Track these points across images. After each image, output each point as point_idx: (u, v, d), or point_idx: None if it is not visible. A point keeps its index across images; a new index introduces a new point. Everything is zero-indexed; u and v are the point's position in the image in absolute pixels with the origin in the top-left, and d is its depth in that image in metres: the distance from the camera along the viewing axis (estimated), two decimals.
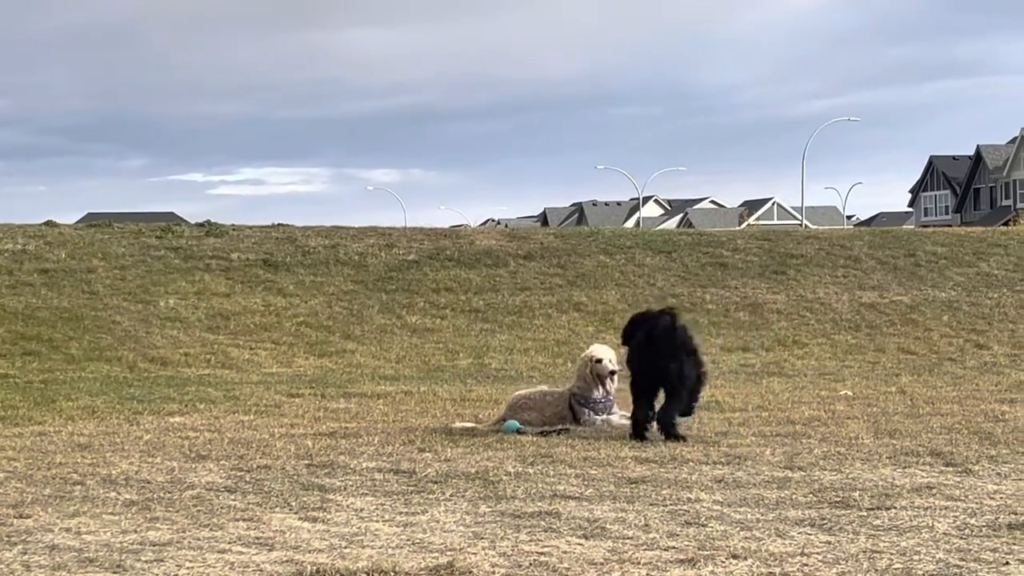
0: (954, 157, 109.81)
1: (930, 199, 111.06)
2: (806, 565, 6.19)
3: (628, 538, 6.80)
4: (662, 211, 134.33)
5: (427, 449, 10.15)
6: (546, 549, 6.56)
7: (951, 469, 9.03)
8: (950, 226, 65.40)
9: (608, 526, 7.10)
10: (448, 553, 6.48)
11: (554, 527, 7.10)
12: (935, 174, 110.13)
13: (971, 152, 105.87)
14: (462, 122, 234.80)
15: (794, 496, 7.98)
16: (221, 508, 7.77)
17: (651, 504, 7.79)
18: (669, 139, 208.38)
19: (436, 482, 8.62)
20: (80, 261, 24.16)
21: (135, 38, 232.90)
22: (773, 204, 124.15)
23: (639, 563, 6.26)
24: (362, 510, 7.69)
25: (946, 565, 6.17)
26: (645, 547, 6.58)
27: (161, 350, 19.85)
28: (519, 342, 21.25)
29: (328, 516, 7.50)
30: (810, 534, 6.87)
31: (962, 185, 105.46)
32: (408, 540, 6.82)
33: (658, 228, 56.48)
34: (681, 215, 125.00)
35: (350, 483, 8.63)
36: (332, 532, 7.05)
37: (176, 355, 19.63)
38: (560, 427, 11.25)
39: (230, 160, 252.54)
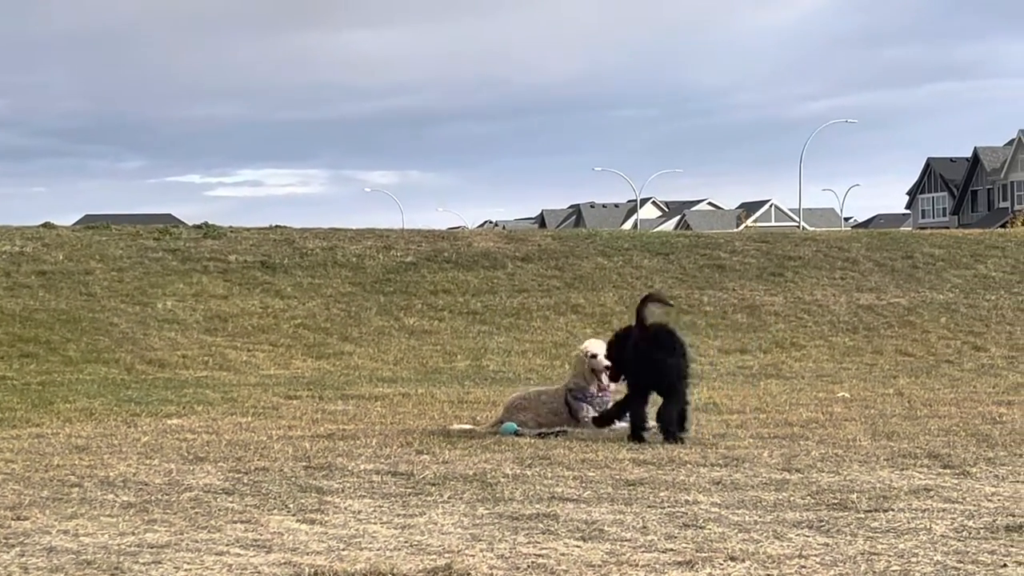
0: (952, 159, 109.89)
1: (928, 201, 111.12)
2: (804, 567, 6.19)
3: (626, 540, 6.80)
4: (660, 213, 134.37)
5: (425, 451, 10.14)
6: (544, 551, 6.55)
7: (949, 471, 9.03)
8: (948, 228, 65.43)
9: (606, 528, 7.09)
10: (446, 555, 6.48)
11: (552, 529, 7.10)
12: (933, 176, 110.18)
13: (969, 154, 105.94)
14: (460, 124, 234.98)
15: (792, 498, 7.98)
16: (219, 510, 7.77)
17: (649, 506, 7.79)
18: (667, 141, 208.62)
19: (434, 484, 8.62)
20: (78, 263, 24.16)
21: (133, 40, 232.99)
22: (771, 206, 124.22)
23: (637, 565, 6.26)
24: (360, 512, 7.69)
25: (944, 567, 6.17)
26: (643, 549, 6.58)
27: (159, 352, 19.85)
28: (517, 344, 21.26)
29: (326, 518, 7.50)
30: (808, 536, 6.87)
31: (960, 187, 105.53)
32: (406, 542, 6.82)
33: (656, 230, 56.46)
34: (679, 217, 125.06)
35: (348, 485, 8.63)
36: (330, 534, 7.04)
37: (174, 357, 19.63)
38: (558, 429, 11.25)
39: (228, 162, 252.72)
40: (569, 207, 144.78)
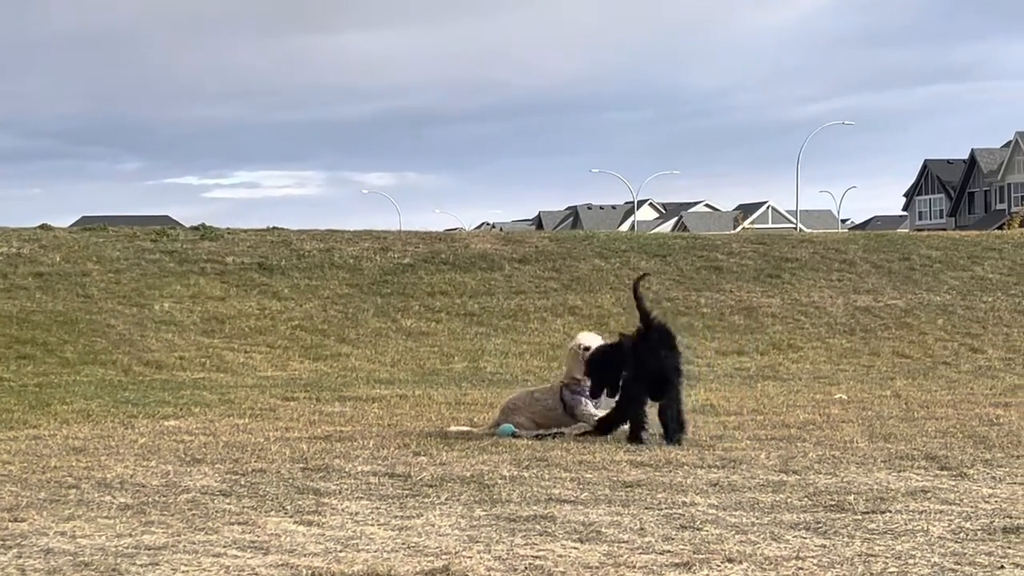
0: (949, 161, 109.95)
1: (925, 203, 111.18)
2: (801, 569, 6.19)
3: (623, 542, 6.80)
4: (657, 215, 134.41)
5: (422, 453, 10.14)
6: (541, 553, 6.55)
7: (946, 473, 9.03)
8: (944, 230, 65.45)
9: (603, 530, 7.10)
10: (443, 557, 6.48)
11: (549, 531, 7.10)
12: (930, 178, 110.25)
13: (966, 156, 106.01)
14: (457, 125, 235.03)
15: (789, 500, 7.99)
16: (216, 512, 7.77)
17: (646, 508, 7.79)
18: (664, 142, 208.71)
19: (431, 486, 8.62)
20: (75, 264, 24.15)
21: (130, 41, 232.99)
22: (768, 208, 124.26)
23: (634, 567, 6.26)
24: (357, 514, 7.69)
25: (941, 569, 6.17)
26: (640, 551, 6.58)
27: (156, 354, 19.85)
28: (514, 345, 21.26)
29: (323, 520, 7.50)
30: (805, 538, 6.87)
31: (957, 189, 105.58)
32: (403, 544, 6.82)
33: (653, 232, 56.48)
34: (676, 219, 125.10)
35: (345, 487, 8.63)
36: (327, 536, 7.04)
37: (171, 359, 19.63)
38: (555, 431, 11.25)
39: (225, 163, 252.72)
40: (566, 209, 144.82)
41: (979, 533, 6.94)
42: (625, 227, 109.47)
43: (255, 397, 15.06)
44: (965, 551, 6.51)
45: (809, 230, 64.71)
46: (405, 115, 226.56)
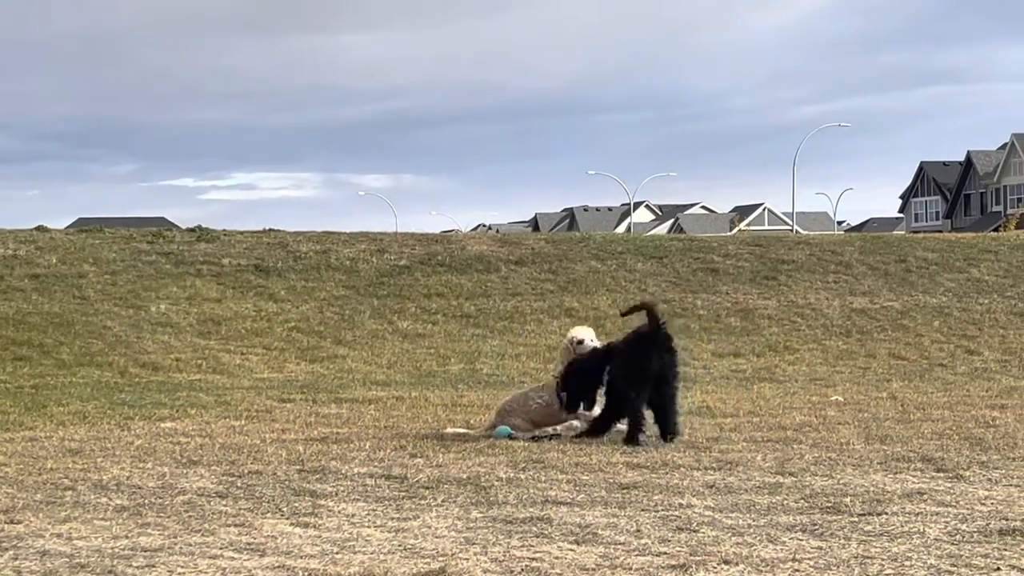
0: (945, 163, 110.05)
1: (921, 205, 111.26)
2: (797, 571, 6.20)
3: (620, 544, 6.80)
4: (653, 216, 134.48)
5: (419, 455, 10.14)
6: (538, 555, 6.56)
7: (942, 475, 9.04)
8: (941, 232, 65.49)
9: (600, 532, 7.10)
10: (440, 559, 6.48)
11: (546, 533, 7.10)
12: (926, 180, 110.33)
13: (962, 158, 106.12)
14: (453, 127, 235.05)
15: (785, 502, 7.99)
16: (212, 514, 7.76)
17: (643, 510, 7.79)
18: (660, 144, 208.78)
19: (428, 488, 8.62)
20: (71, 266, 24.14)
21: (127, 43, 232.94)
22: (764, 210, 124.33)
23: (631, 569, 6.26)
24: (353, 516, 7.69)
25: (937, 571, 6.18)
26: (637, 553, 6.58)
27: (152, 355, 19.84)
28: (510, 347, 21.26)
29: (320, 522, 7.50)
30: (801, 540, 6.87)
31: (953, 191, 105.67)
32: (400, 546, 6.82)
33: (649, 234, 56.50)
34: (672, 220, 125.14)
35: (341, 489, 8.63)
36: (324, 538, 7.04)
37: (167, 360, 19.62)
38: (552, 432, 11.25)
39: (221, 165, 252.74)
40: (562, 210, 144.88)
41: (975, 535, 6.94)
42: (621, 229, 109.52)
43: (251, 399, 15.06)
44: (961, 553, 6.52)
45: (805, 232, 64.76)
46: (401, 117, 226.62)
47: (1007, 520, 7.34)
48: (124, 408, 13.96)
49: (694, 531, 7.11)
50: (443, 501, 8.13)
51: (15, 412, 13.58)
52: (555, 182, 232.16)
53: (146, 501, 8.20)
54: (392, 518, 7.59)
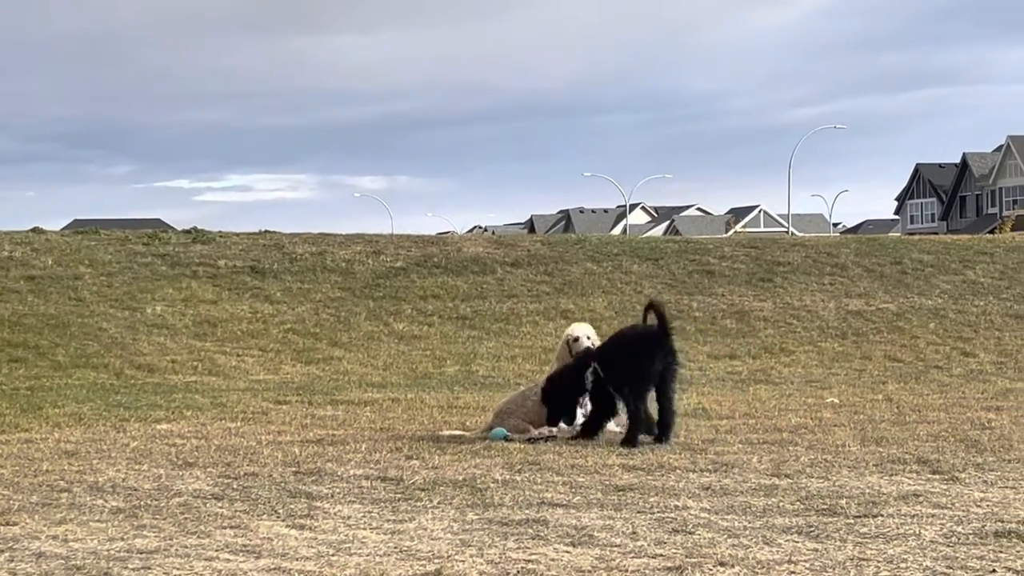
0: (940, 165, 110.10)
1: (916, 207, 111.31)
2: (793, 573, 6.20)
3: (615, 546, 6.80)
4: (649, 218, 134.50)
5: (414, 456, 10.14)
6: (534, 557, 6.56)
7: (938, 477, 9.04)
8: (936, 234, 65.55)
9: (595, 534, 7.10)
10: (436, 561, 6.48)
11: (542, 535, 7.11)
12: (921, 182, 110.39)
13: (957, 160, 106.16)
14: (450, 129, 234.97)
15: (781, 504, 7.99)
16: (208, 515, 7.76)
17: (638, 511, 7.79)
18: (656, 146, 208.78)
19: (423, 489, 8.62)
20: (67, 268, 24.13)
21: (123, 44, 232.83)
22: (760, 211, 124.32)
23: (627, 571, 6.26)
24: (349, 517, 7.69)
25: (933, 573, 6.18)
26: (632, 555, 6.59)
27: (148, 357, 19.83)
28: (506, 349, 21.26)
29: (315, 524, 7.50)
30: (797, 542, 6.88)
31: (948, 193, 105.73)
32: (395, 548, 6.81)
33: (645, 235, 56.53)
34: (668, 222, 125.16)
35: (337, 490, 8.63)
36: (319, 540, 7.04)
37: (163, 362, 19.61)
38: (548, 434, 11.25)
39: (217, 166, 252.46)
40: (558, 212, 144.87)
41: (971, 537, 6.95)
42: (617, 231, 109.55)
43: (247, 401, 15.05)
44: (957, 555, 6.52)
45: (801, 234, 64.78)
46: (397, 119, 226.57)
47: (1003, 522, 7.34)
48: (120, 410, 13.95)
49: (690, 533, 7.12)
50: (439, 503, 8.13)
51: (11, 414, 13.57)
52: (551, 184, 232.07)
53: (142, 503, 8.19)
54: (388, 520, 7.59)
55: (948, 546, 6.74)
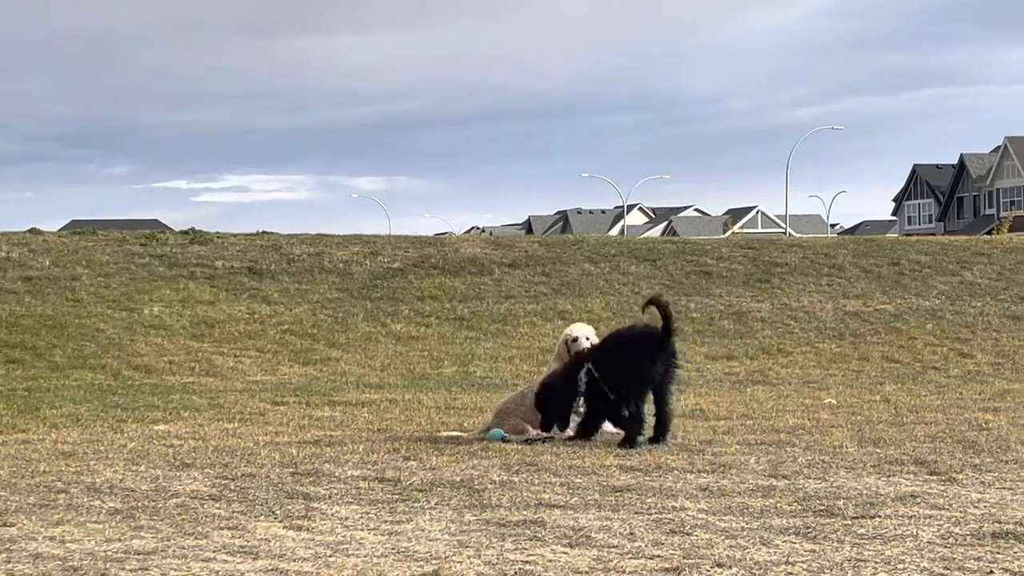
0: (938, 166, 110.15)
1: (914, 208, 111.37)
2: (791, 574, 6.20)
3: (613, 547, 6.80)
4: (646, 219, 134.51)
5: (412, 457, 10.14)
6: (531, 558, 6.56)
7: (935, 478, 9.05)
8: (934, 235, 65.57)
9: (593, 535, 7.10)
10: (433, 562, 6.48)
11: (539, 536, 7.10)
12: (919, 183, 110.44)
13: (955, 161, 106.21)
14: (447, 129, 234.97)
15: (779, 505, 8.00)
16: (206, 516, 7.76)
17: (636, 512, 7.79)
18: (654, 147, 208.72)
19: (421, 490, 8.62)
20: (64, 269, 24.12)
21: (121, 45, 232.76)
22: (757, 212, 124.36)
23: (624, 572, 6.26)
24: (347, 519, 7.68)
25: (930, 574, 6.18)
26: (630, 556, 6.59)
27: (145, 358, 19.82)
28: (504, 350, 21.26)
29: (313, 525, 7.49)
30: (795, 543, 6.88)
31: (946, 194, 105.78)
32: (393, 549, 6.81)
33: (642, 236, 56.53)
34: (665, 223, 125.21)
35: (335, 491, 8.62)
36: (317, 541, 7.04)
37: (160, 363, 19.60)
38: (545, 435, 11.25)
39: (214, 167, 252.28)
40: (556, 213, 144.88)
41: (968, 538, 6.95)
42: (615, 231, 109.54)
43: (244, 401, 15.05)
44: (954, 556, 6.52)
45: (798, 235, 64.81)
46: (395, 119, 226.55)
47: (1000, 523, 7.35)
48: (117, 411, 13.94)
49: (687, 534, 7.12)
50: (436, 504, 8.13)
51: (8, 415, 13.57)
52: (549, 184, 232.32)
53: (139, 504, 8.19)
54: (385, 521, 7.59)
55: (945, 547, 6.74)
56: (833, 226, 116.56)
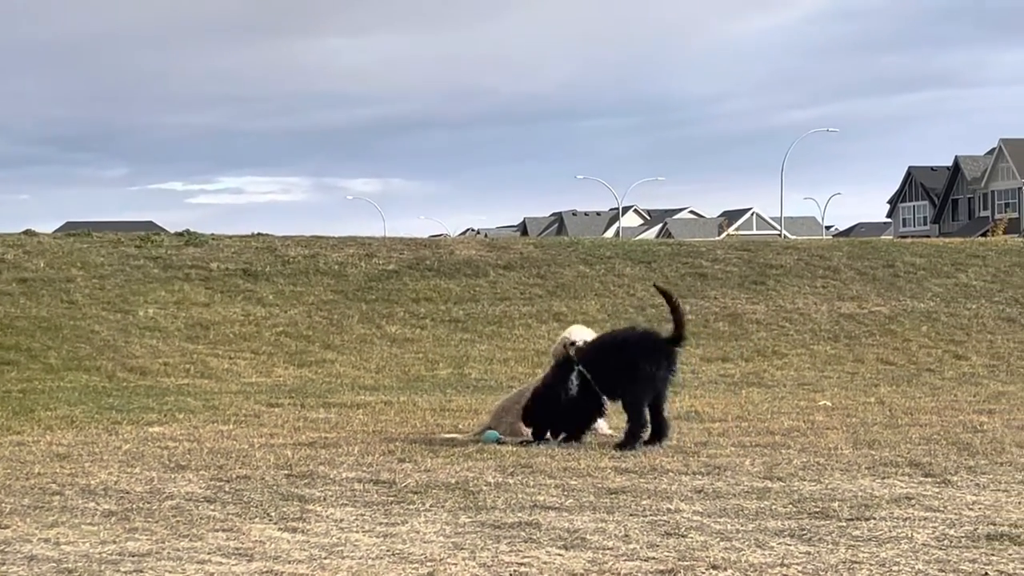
0: (932, 168, 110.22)
1: (908, 210, 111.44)
2: (786, 575, 6.20)
3: (608, 549, 6.80)
4: (641, 221, 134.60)
5: (407, 459, 10.14)
6: (526, 560, 6.56)
7: (930, 480, 9.05)
8: (928, 237, 65.59)
9: (588, 536, 7.10)
10: (428, 564, 6.48)
11: (534, 537, 7.10)
12: (913, 185, 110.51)
13: (949, 163, 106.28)
14: (443, 131, 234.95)
15: (773, 507, 8.00)
16: (200, 518, 7.75)
17: (631, 514, 7.79)
18: (649, 149, 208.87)
19: (416, 492, 8.62)
20: (59, 270, 24.10)
21: (116, 47, 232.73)
22: (752, 214, 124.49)
23: (619, 574, 6.26)
24: (342, 520, 7.68)
25: None
26: (625, 558, 6.59)
27: (140, 360, 19.80)
28: (499, 352, 21.25)
29: (308, 527, 7.49)
30: (789, 544, 6.88)
31: (940, 196, 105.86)
32: (388, 551, 6.81)
33: (638, 238, 56.54)
34: (660, 225, 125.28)
35: (330, 493, 8.62)
36: (312, 543, 7.04)
37: (155, 365, 19.58)
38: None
39: (209, 169, 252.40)
40: (551, 215, 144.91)
41: (963, 540, 6.96)
42: (610, 233, 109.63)
43: (239, 403, 15.03)
44: (949, 558, 6.53)
45: (793, 237, 64.85)
46: (390, 121, 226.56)
47: (995, 525, 7.35)
48: (112, 412, 13.93)
49: (682, 536, 7.12)
50: (431, 506, 8.13)
51: (2, 417, 13.55)
52: (544, 187, 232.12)
53: (134, 506, 8.19)
54: (380, 523, 7.59)
55: (940, 549, 6.74)
56: (828, 228, 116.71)
